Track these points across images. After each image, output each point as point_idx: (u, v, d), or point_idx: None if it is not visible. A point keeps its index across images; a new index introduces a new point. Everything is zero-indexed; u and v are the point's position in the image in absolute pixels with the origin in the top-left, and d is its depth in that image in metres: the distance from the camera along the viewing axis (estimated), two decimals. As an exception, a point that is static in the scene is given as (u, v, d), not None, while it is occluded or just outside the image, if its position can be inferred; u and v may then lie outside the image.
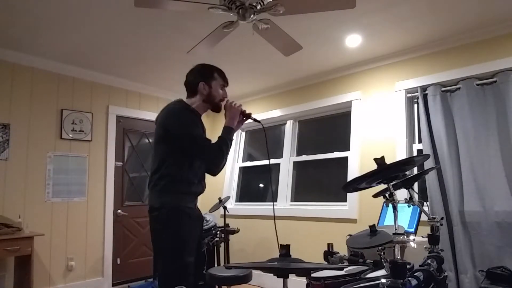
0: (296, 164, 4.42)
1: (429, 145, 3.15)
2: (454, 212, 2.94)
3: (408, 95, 3.47)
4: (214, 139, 1.88)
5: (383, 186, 1.71)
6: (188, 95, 1.96)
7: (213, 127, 5.25)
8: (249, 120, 2.03)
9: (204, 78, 1.91)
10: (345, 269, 1.97)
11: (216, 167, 1.82)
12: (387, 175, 1.62)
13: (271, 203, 4.47)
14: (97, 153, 4.08)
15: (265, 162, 4.72)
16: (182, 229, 1.73)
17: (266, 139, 2.20)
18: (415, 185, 3.16)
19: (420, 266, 1.77)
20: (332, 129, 4.25)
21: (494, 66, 2.93)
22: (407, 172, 2.35)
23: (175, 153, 1.76)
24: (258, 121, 2.03)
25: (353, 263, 2.03)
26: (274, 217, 2.29)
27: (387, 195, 1.60)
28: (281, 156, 4.53)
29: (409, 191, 1.99)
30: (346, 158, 3.86)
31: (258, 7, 2.12)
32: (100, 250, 4.02)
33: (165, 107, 1.89)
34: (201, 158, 1.82)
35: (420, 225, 2.61)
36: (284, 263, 1.32)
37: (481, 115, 2.97)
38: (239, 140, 5.13)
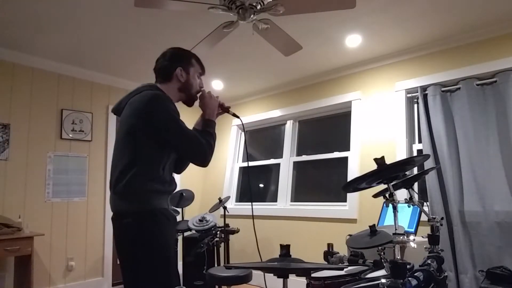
0: (296, 164, 4.42)
1: (429, 145, 3.15)
2: (454, 212, 2.94)
3: (408, 95, 3.46)
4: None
5: (383, 186, 1.71)
6: (160, 81, 1.71)
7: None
8: (236, 119, 1.97)
9: (182, 64, 1.69)
10: (345, 269, 1.97)
11: (206, 162, 1.62)
12: (387, 175, 1.62)
13: (271, 203, 4.47)
14: (97, 153, 4.08)
15: (266, 162, 4.72)
16: (164, 235, 1.52)
17: (245, 137, 2.15)
18: (415, 185, 3.16)
19: (420, 266, 1.77)
20: (332, 129, 4.25)
21: (494, 66, 2.93)
22: (407, 172, 2.35)
23: (151, 147, 1.51)
24: (237, 116, 1.88)
25: (353, 263, 2.03)
26: (253, 217, 2.28)
27: (387, 195, 1.60)
28: (281, 156, 4.53)
29: (409, 191, 1.99)
30: (346, 158, 3.86)
31: (258, 7, 2.12)
32: (100, 250, 4.02)
33: (136, 91, 1.63)
34: (190, 153, 1.59)
35: (420, 225, 2.61)
36: (284, 263, 1.32)
37: (481, 115, 2.97)
38: (239, 140, 5.13)
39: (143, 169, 1.49)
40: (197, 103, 1.76)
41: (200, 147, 1.58)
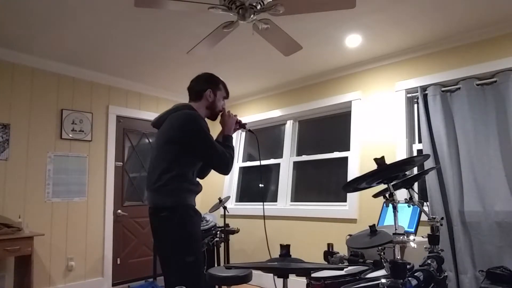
0: (296, 164, 4.42)
1: (429, 145, 3.15)
2: (454, 212, 2.94)
3: (408, 95, 3.46)
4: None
5: (383, 186, 1.71)
6: (192, 100, 2.05)
7: (213, 125, 5.25)
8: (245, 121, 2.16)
9: (212, 86, 2.03)
10: (345, 269, 1.97)
11: (228, 171, 1.95)
12: (387, 175, 1.62)
13: (271, 203, 4.47)
14: (97, 153, 4.08)
15: (265, 162, 4.72)
16: (194, 226, 1.83)
17: (258, 150, 2.43)
18: (415, 185, 3.16)
19: (420, 266, 1.77)
20: (332, 129, 4.25)
21: (494, 66, 2.93)
22: (407, 172, 2.35)
23: (186, 156, 1.84)
24: (252, 132, 2.23)
25: (353, 263, 2.03)
26: (264, 218, 2.30)
27: (387, 195, 1.60)
28: (281, 156, 4.53)
29: (409, 191, 1.99)
30: (346, 158, 3.86)
31: (258, 7, 2.12)
32: (100, 250, 4.02)
33: (175, 110, 1.94)
34: (217, 164, 1.90)
35: (420, 225, 2.61)
36: (284, 263, 1.32)
37: (481, 115, 2.97)
38: (239, 140, 5.13)
39: (179, 172, 1.81)
40: (219, 118, 2.10)
41: (225, 160, 1.89)
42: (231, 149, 1.97)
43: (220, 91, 2.07)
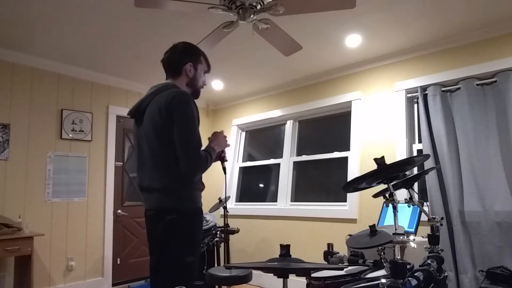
0: (296, 164, 4.41)
1: (429, 145, 3.15)
2: (454, 212, 2.94)
3: (408, 95, 3.46)
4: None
5: (383, 186, 1.71)
6: (170, 76, 1.76)
7: (213, 125, 5.25)
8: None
9: (192, 59, 1.76)
10: (345, 269, 1.97)
11: (194, 175, 1.61)
12: (387, 175, 1.62)
13: (271, 203, 4.47)
14: (97, 153, 4.08)
15: (266, 162, 4.72)
16: (201, 229, 1.66)
17: (225, 179, 1.96)
18: (415, 185, 3.15)
19: (420, 266, 1.77)
20: (332, 129, 4.25)
21: (494, 66, 2.93)
22: (407, 172, 2.35)
23: None
24: (225, 172, 1.90)
25: (353, 263, 2.03)
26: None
27: (387, 195, 1.60)
28: (281, 156, 4.53)
29: (409, 191, 1.99)
30: (346, 158, 3.86)
31: (258, 7, 2.12)
32: (100, 250, 4.01)
33: (159, 90, 1.66)
34: (186, 160, 1.55)
35: (420, 225, 2.61)
36: (284, 263, 1.32)
37: (481, 115, 2.97)
38: (239, 140, 5.13)
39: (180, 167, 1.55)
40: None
41: (199, 159, 1.57)
42: (210, 157, 1.64)
43: (201, 64, 1.80)
